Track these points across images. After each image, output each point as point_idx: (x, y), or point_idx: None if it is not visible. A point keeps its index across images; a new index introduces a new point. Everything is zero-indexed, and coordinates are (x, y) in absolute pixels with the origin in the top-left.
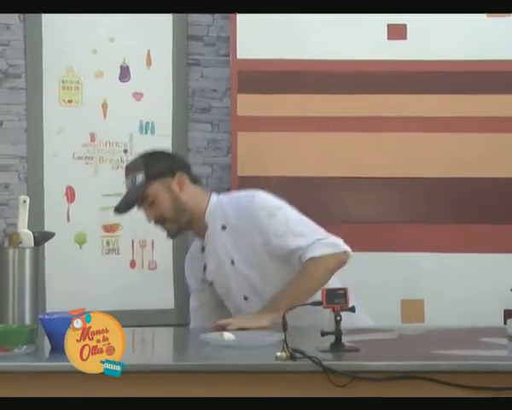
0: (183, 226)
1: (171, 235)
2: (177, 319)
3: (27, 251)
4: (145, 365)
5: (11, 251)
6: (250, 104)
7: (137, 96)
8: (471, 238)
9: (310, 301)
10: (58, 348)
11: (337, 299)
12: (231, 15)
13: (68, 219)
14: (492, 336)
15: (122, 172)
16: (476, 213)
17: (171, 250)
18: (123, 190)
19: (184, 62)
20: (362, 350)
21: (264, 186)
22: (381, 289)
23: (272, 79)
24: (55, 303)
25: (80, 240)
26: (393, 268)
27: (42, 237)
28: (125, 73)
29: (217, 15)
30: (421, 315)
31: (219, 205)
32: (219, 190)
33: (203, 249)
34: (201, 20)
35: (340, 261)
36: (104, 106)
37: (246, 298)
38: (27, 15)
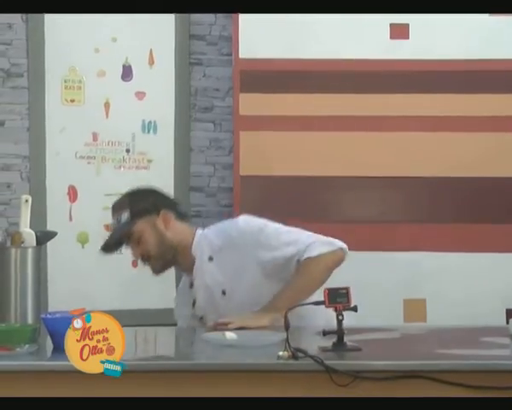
0: (169, 263)
1: (155, 272)
2: None
3: (29, 250)
4: (147, 364)
5: (13, 250)
6: (252, 103)
7: (140, 95)
8: (473, 238)
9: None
10: (60, 348)
11: (339, 298)
12: (234, 15)
13: (70, 219)
14: (494, 336)
15: (124, 171)
16: (478, 213)
17: None
18: (125, 190)
19: (187, 62)
20: (364, 350)
21: (266, 185)
22: (383, 288)
23: (274, 79)
24: (58, 302)
25: (82, 239)
26: (396, 268)
27: (44, 237)
28: (127, 73)
29: (219, 15)
30: (424, 315)
31: (205, 237)
32: (222, 190)
33: (191, 285)
34: (204, 20)
35: (337, 259)
36: (106, 105)
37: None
38: (30, 15)
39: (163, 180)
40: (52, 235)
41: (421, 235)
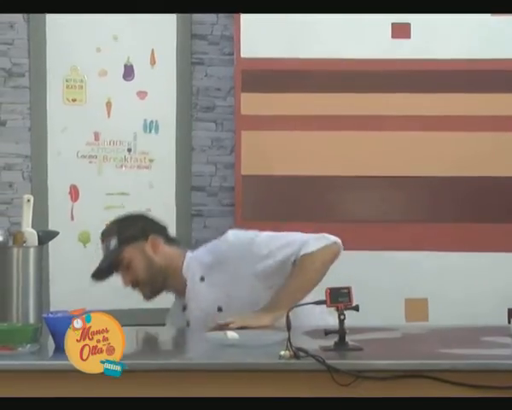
0: (159, 288)
1: (146, 297)
2: None
3: (31, 250)
4: (147, 364)
5: (15, 250)
6: (254, 103)
7: (141, 94)
8: (475, 237)
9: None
10: (62, 347)
11: (341, 298)
12: (235, 14)
13: (72, 218)
14: (496, 335)
15: (126, 170)
16: (480, 212)
17: None
18: (127, 189)
19: (188, 61)
20: (366, 349)
21: (267, 185)
22: (384, 288)
23: (276, 78)
24: (59, 302)
25: (84, 239)
26: (397, 267)
27: (46, 236)
28: (128, 72)
29: (221, 14)
30: (425, 314)
31: (195, 258)
32: (223, 189)
33: (184, 308)
34: (205, 19)
35: (332, 252)
36: (108, 105)
37: None
38: (31, 14)
39: (164, 180)
40: (54, 234)
41: (423, 234)
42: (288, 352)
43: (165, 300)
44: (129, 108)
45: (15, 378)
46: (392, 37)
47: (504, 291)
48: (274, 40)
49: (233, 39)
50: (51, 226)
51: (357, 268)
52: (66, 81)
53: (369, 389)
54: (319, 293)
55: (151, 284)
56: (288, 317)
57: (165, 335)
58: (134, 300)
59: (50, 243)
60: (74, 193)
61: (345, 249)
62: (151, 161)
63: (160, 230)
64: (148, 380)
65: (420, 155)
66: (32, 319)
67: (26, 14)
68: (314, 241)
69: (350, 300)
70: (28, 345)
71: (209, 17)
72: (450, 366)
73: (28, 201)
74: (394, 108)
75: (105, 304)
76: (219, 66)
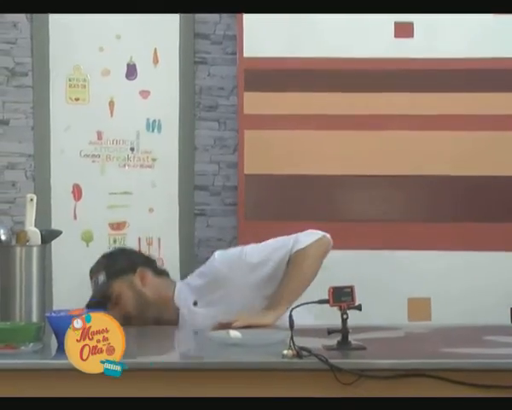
0: (152, 321)
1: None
2: None
3: (34, 249)
4: (151, 362)
5: (18, 249)
6: (257, 102)
7: (144, 94)
8: (478, 236)
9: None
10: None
11: (344, 297)
12: (238, 14)
13: (75, 217)
14: (499, 335)
15: (129, 170)
16: (483, 211)
17: (178, 248)
18: (129, 189)
19: (191, 60)
20: (369, 348)
21: (270, 184)
22: (387, 287)
23: (279, 77)
24: (62, 301)
25: (87, 238)
26: (400, 267)
27: (49, 235)
28: (131, 71)
29: (224, 14)
30: (428, 313)
31: (185, 285)
32: (226, 188)
33: None
34: (208, 19)
35: (324, 245)
36: (111, 104)
37: None
38: (34, 14)
39: (167, 179)
40: (57, 233)
41: (426, 233)
42: (290, 351)
43: None
44: (132, 108)
45: (18, 377)
46: (395, 36)
47: (507, 290)
48: (277, 39)
49: (236, 38)
50: (54, 225)
51: (360, 267)
52: (69, 80)
53: (372, 389)
54: (322, 292)
55: (143, 317)
56: (290, 316)
57: (166, 334)
58: None
59: (53, 242)
60: (77, 192)
61: (348, 248)
62: (154, 160)
63: (147, 262)
64: (150, 379)
65: (422, 154)
66: (34, 318)
67: (29, 14)
68: (304, 237)
69: (353, 299)
70: (31, 344)
71: (212, 16)
72: (453, 365)
73: (31, 200)
74: (397, 107)
75: None
76: (222, 65)
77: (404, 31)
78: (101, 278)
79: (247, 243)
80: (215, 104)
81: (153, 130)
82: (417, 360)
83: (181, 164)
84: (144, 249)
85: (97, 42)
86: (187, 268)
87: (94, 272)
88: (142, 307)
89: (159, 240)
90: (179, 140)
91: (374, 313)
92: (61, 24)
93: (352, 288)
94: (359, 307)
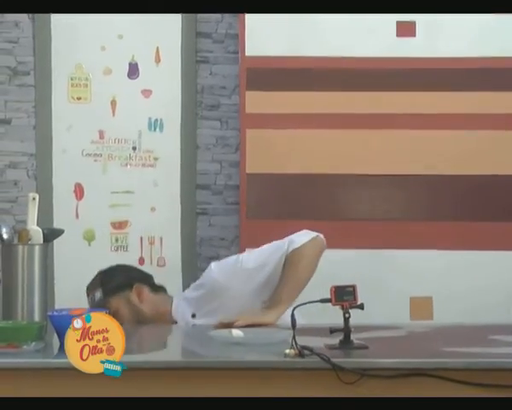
0: None
1: None
2: None
3: (36, 248)
4: (153, 362)
5: (20, 248)
6: (259, 101)
7: (146, 93)
8: (480, 235)
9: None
10: None
11: (346, 296)
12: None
13: (77, 216)
14: (501, 334)
15: (131, 169)
16: (487, 211)
17: (180, 247)
18: (131, 188)
19: (193, 59)
20: (371, 347)
21: (272, 183)
22: (389, 286)
23: (281, 76)
24: (64, 300)
25: (89, 237)
26: (402, 266)
27: (51, 234)
28: (133, 70)
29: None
30: (430, 312)
31: (183, 299)
32: (228, 187)
33: None
34: (210, 18)
35: (317, 244)
36: (113, 103)
37: None
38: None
39: (169, 178)
40: (59, 232)
41: (427, 232)
42: (293, 350)
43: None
44: (134, 107)
45: (20, 376)
46: (398, 35)
47: (508, 289)
48: (279, 38)
49: (238, 37)
50: (56, 224)
51: (361, 266)
52: (71, 79)
53: (375, 388)
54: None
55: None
56: (293, 315)
57: (168, 333)
58: None
59: (55, 241)
60: (79, 191)
61: (350, 247)
62: (156, 159)
63: (144, 278)
64: (150, 379)
65: (424, 153)
66: (36, 317)
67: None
68: (299, 237)
69: (355, 298)
70: (33, 343)
71: (214, 15)
72: (455, 364)
73: (33, 199)
74: (399, 106)
75: None
76: (224, 64)
77: (406, 30)
78: (98, 294)
79: (249, 241)
80: (217, 103)
81: (155, 129)
82: (420, 359)
83: (183, 163)
84: (146, 249)
85: (99, 41)
86: (189, 267)
87: (90, 289)
88: (140, 324)
89: (161, 239)
90: (181, 139)
91: (376, 312)
92: (63, 23)
93: (354, 287)
94: (361, 306)
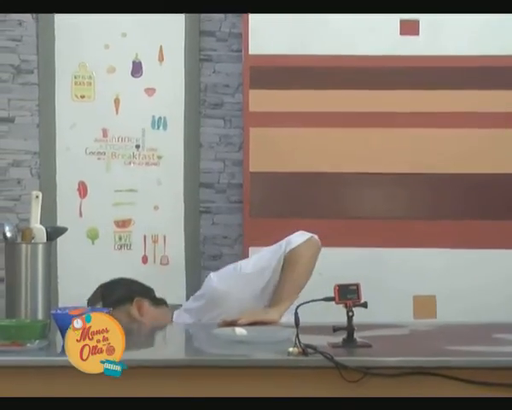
0: None
1: None
2: None
3: (40, 246)
4: (156, 360)
5: (24, 246)
6: (262, 100)
7: (150, 91)
8: (484, 234)
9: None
10: None
11: (349, 295)
12: None
13: (81, 215)
14: (505, 332)
15: (134, 167)
16: (490, 209)
17: (184, 246)
18: (135, 186)
19: (196, 58)
20: (374, 346)
21: (275, 182)
22: (392, 285)
23: (284, 75)
24: (68, 298)
25: (92, 235)
26: (405, 264)
27: (54, 233)
28: (137, 69)
29: None
30: (434, 311)
31: (183, 311)
32: (231, 186)
33: None
34: (214, 16)
35: (313, 244)
36: (116, 101)
37: None
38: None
39: (173, 176)
40: (62, 231)
41: (430, 231)
42: (296, 348)
43: (177, 296)
44: (137, 105)
45: (24, 374)
46: (401, 33)
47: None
48: (282, 37)
49: (241, 36)
50: (60, 223)
51: (364, 265)
52: (75, 78)
53: (378, 386)
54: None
55: None
56: (296, 313)
57: (170, 331)
58: None
59: (59, 240)
60: (83, 189)
61: (353, 246)
62: (159, 157)
63: (145, 292)
64: (158, 376)
65: (426, 151)
66: (40, 316)
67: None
68: (295, 238)
69: (358, 297)
70: (37, 341)
71: (217, 14)
72: (458, 363)
73: (37, 197)
74: (402, 104)
75: None
76: (227, 62)
77: (409, 28)
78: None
79: (252, 240)
80: (220, 102)
81: (158, 127)
82: (423, 357)
83: (186, 162)
84: (149, 247)
85: (103, 39)
86: (192, 266)
87: (91, 302)
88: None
89: (164, 238)
90: (184, 138)
91: (379, 311)
92: (66, 21)
93: (357, 285)
94: (365, 305)
